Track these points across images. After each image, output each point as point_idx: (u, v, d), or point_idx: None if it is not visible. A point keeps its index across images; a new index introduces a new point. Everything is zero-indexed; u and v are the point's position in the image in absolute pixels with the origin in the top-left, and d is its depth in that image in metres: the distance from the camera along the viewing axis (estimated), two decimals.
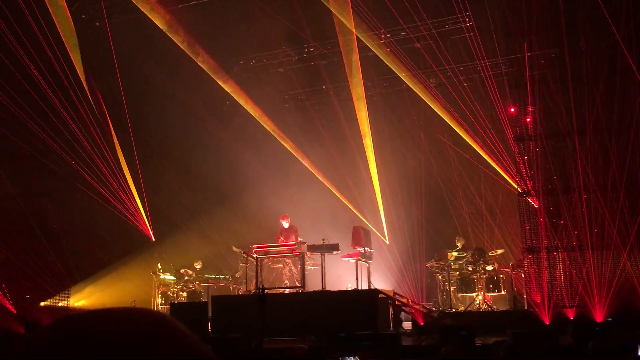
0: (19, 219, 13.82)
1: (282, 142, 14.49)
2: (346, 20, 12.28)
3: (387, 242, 14.10)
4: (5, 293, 12.48)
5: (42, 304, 13.30)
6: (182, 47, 12.81)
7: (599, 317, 9.42)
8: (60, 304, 13.54)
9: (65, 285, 13.36)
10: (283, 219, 12.13)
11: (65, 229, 13.95)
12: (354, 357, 5.34)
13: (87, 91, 12.54)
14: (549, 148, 10.68)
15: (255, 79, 14.80)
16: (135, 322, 0.73)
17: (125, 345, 0.69)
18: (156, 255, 13.83)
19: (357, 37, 12.99)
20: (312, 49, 14.36)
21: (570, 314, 9.69)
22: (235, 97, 14.37)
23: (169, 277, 13.37)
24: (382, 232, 14.19)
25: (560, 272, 10.37)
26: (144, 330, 0.72)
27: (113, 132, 13.10)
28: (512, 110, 11.05)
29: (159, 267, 13.37)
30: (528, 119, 10.96)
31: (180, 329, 0.76)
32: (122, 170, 13.29)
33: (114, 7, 12.93)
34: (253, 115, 14.43)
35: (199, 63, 13.21)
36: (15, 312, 12.29)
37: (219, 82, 13.89)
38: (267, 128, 14.48)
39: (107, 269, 13.73)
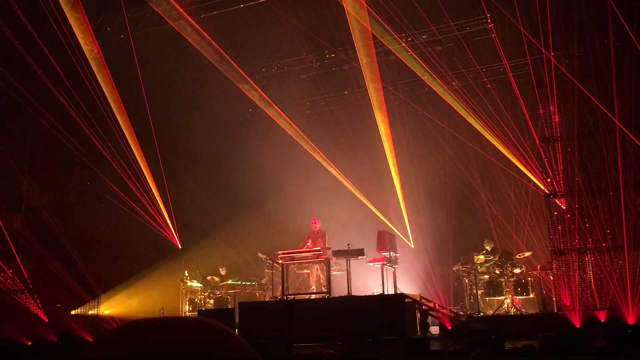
0: (49, 229, 14.11)
1: (305, 148, 14.56)
2: (363, 26, 12.31)
3: (412, 246, 14.05)
4: (37, 302, 12.74)
5: (72, 312, 13.53)
6: (207, 56, 12.95)
7: (631, 319, 9.25)
8: (90, 312, 13.76)
9: (95, 293, 13.58)
10: (314, 222, 12.18)
11: (94, 239, 14.21)
12: None
13: (111, 103, 12.78)
14: (576, 148, 10.54)
15: (277, 86, 14.92)
16: (193, 330, 0.74)
17: (187, 353, 0.69)
18: (183, 262, 14.00)
19: (378, 41, 13.01)
20: (333, 55, 14.42)
21: (602, 317, 9.52)
22: (258, 104, 14.50)
23: (195, 284, 13.52)
24: (407, 236, 14.14)
25: (590, 274, 10.21)
26: (203, 339, 0.72)
27: (137, 142, 13.31)
28: (540, 111, 10.92)
29: (186, 274, 13.53)
30: (554, 120, 10.84)
31: (236, 337, 0.77)
32: (148, 180, 13.51)
33: (139, 19, 13.14)
34: (277, 121, 14.54)
35: (223, 71, 13.35)
36: (47, 320, 12.54)
37: (243, 90, 14.03)
38: (290, 134, 14.57)
39: (135, 277, 13.92)
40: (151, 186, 13.54)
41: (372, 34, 12.70)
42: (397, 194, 14.13)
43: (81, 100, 12.45)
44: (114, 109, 12.98)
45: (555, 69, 10.61)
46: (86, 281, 13.10)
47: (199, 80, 14.09)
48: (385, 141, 13.97)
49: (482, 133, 12.73)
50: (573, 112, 10.51)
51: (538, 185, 11.43)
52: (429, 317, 10.78)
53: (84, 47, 12.18)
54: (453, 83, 13.54)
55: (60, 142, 12.71)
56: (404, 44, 13.19)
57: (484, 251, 11.96)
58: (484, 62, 13.05)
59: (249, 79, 14.05)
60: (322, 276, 11.55)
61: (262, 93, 14.31)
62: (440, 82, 13.31)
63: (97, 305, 13.86)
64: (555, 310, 10.36)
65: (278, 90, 14.81)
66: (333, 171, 14.54)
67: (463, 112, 13.01)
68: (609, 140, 10.06)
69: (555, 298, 10.46)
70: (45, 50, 11.43)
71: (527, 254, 11.58)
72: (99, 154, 13.04)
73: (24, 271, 13.10)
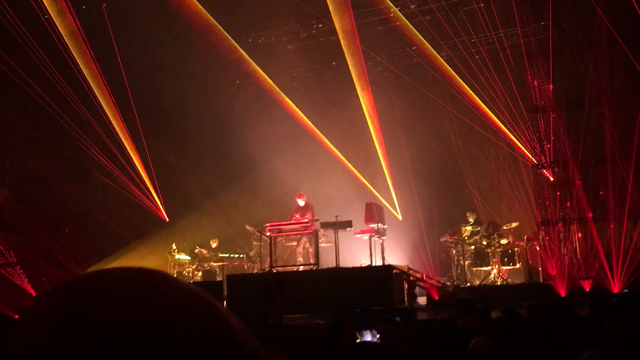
0: (36, 203, 13.98)
1: (294, 120, 14.44)
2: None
3: (400, 218, 14.08)
4: (24, 276, 12.67)
5: None
6: (192, 23, 12.69)
7: (615, 288, 9.37)
8: None
9: (83, 267, 13.51)
10: (299, 197, 12.06)
11: (81, 213, 14.08)
12: (370, 331, 5.35)
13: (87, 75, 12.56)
14: (565, 118, 10.54)
15: (264, 57, 14.69)
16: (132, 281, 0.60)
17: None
18: (170, 235, 13.93)
19: (365, 11, 12.83)
20: (320, 25, 14.19)
21: (586, 286, 9.64)
22: (247, 75, 14.33)
23: (183, 257, 13.48)
24: (395, 208, 14.17)
25: (576, 244, 10.30)
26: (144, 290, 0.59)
27: (119, 115, 13.13)
28: (535, 83, 10.87)
29: (174, 247, 13.48)
30: (543, 89, 10.80)
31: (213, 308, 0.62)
32: (131, 152, 13.39)
33: None
34: (266, 92, 14.38)
35: (210, 41, 13.10)
36: (34, 294, 12.49)
37: (232, 60, 13.84)
38: (279, 105, 14.42)
39: (123, 251, 13.85)
40: (134, 159, 13.43)
41: (362, 4, 12.52)
42: (382, 166, 14.16)
43: (63, 72, 12.21)
44: (97, 82, 12.76)
45: (545, 39, 10.54)
46: (73, 254, 13.02)
47: (184, 51, 13.85)
48: (367, 113, 13.91)
49: (469, 104, 12.68)
50: (562, 82, 10.48)
51: (526, 156, 11.45)
52: (417, 287, 10.86)
53: (58, 18, 11.92)
54: (442, 53, 13.42)
55: (44, 115, 12.50)
56: (394, 13, 13.00)
57: (470, 222, 12.01)
58: (474, 32, 12.91)
59: (239, 48, 13.81)
60: (310, 248, 11.54)
61: (253, 63, 14.10)
62: (428, 52, 13.19)
63: None
64: (541, 280, 10.47)
65: (265, 61, 14.58)
66: (321, 143, 14.46)
67: (451, 83, 12.93)
68: (598, 111, 10.05)
69: (541, 268, 10.57)
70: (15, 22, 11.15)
71: (513, 224, 11.65)
72: (82, 127, 12.85)
73: (4, 245, 12.99)
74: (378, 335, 5.24)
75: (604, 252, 9.72)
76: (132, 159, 13.43)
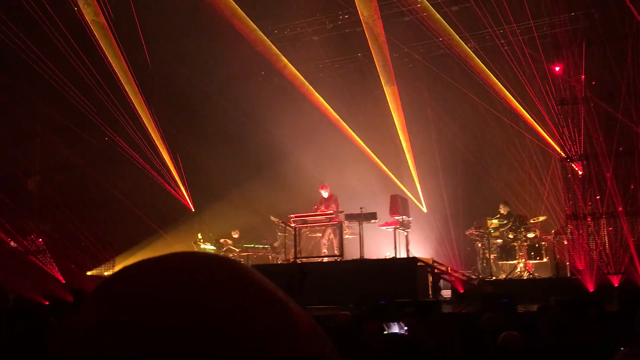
0: (63, 191, 14.21)
1: (319, 111, 14.42)
2: None
3: (425, 210, 14.00)
4: (53, 263, 12.91)
5: (88, 273, 13.72)
6: (221, 13, 12.73)
7: None
8: (106, 273, 13.95)
9: (110, 254, 13.74)
10: (322, 188, 12.05)
11: (108, 201, 14.29)
12: (397, 324, 5.34)
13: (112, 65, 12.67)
14: (595, 111, 10.33)
15: (289, 48, 14.68)
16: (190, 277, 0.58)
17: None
18: (196, 225, 14.07)
19: (392, 1, 12.72)
20: (346, 16, 14.12)
21: (615, 281, 9.48)
22: (272, 66, 14.35)
23: (209, 247, 13.61)
24: (420, 200, 14.09)
25: (605, 238, 10.12)
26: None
27: (145, 105, 13.26)
28: (557, 69, 10.67)
29: (199, 237, 13.62)
30: (573, 81, 10.60)
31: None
32: (158, 143, 13.53)
33: None
34: (292, 83, 14.39)
35: (238, 31, 13.13)
36: (63, 281, 12.72)
37: (257, 50, 13.87)
38: (304, 97, 14.42)
39: (149, 239, 14.04)
40: (161, 148, 13.58)
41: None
42: (407, 158, 14.09)
43: (93, 62, 12.37)
44: (125, 72, 12.90)
45: (576, 30, 10.33)
46: (101, 242, 13.23)
47: (210, 42, 13.90)
48: (392, 104, 13.83)
49: (497, 95, 12.51)
50: (593, 74, 10.27)
51: (554, 149, 11.27)
52: (441, 280, 10.80)
53: (87, 10, 12.06)
54: (469, 44, 13.25)
55: (73, 104, 12.69)
56: (421, 3, 12.86)
57: (499, 215, 11.84)
58: (503, 23, 12.71)
59: (266, 38, 13.82)
60: (334, 240, 11.54)
61: (280, 54, 14.10)
62: (456, 43, 13.03)
63: (113, 266, 14.03)
64: (569, 275, 10.32)
65: (290, 52, 14.58)
66: (346, 135, 14.43)
67: (479, 74, 12.77)
68: (629, 103, 9.84)
69: (569, 262, 10.41)
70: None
71: (541, 218, 11.48)
72: (110, 116, 13.02)
73: (34, 232, 13.24)
74: (405, 328, 5.23)
75: (635, 247, 9.53)
76: (158, 148, 13.59)
